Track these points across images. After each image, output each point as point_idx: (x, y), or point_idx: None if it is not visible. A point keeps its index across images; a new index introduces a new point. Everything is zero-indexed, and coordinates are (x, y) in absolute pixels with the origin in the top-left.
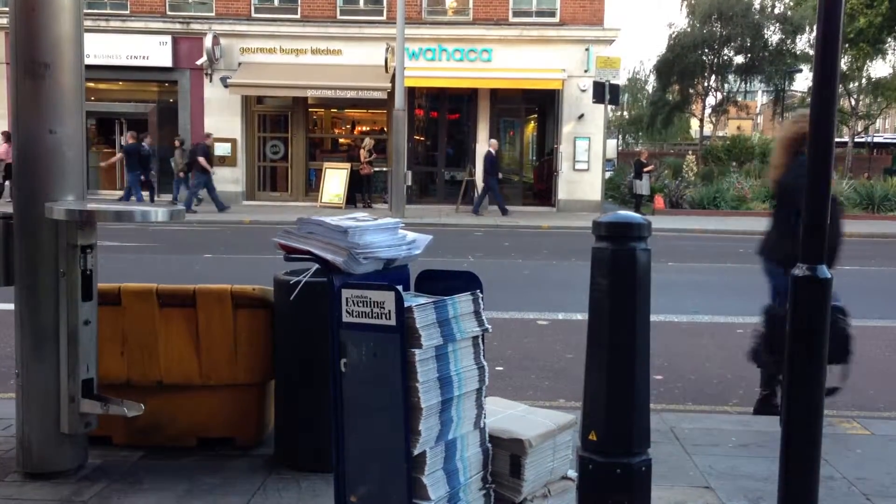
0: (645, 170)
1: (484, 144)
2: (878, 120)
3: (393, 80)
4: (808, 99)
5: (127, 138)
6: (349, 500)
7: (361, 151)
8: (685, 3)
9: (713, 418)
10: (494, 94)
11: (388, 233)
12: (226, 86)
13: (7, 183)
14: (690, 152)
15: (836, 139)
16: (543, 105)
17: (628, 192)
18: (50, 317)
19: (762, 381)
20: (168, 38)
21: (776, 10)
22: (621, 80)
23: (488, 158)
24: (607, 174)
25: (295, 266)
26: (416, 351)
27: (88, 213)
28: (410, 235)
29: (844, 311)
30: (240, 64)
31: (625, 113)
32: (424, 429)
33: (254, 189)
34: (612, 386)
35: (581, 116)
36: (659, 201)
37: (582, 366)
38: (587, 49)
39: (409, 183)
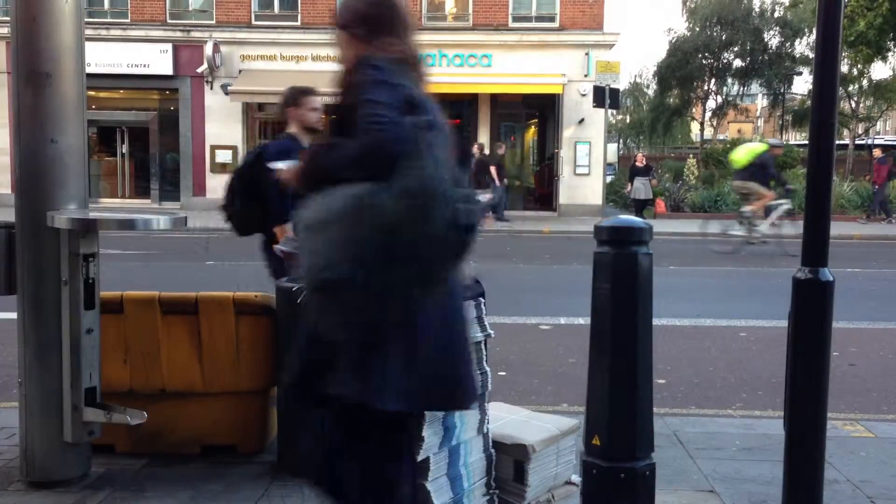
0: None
1: (485, 149)
2: (878, 122)
3: None
4: (809, 102)
5: None
6: None
7: None
8: (685, 7)
9: (717, 422)
10: (495, 99)
11: None
12: (226, 93)
13: None
14: (691, 156)
15: (837, 142)
16: (544, 110)
17: (629, 196)
18: (53, 325)
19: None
20: (168, 46)
21: (776, 14)
22: (623, 85)
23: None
24: (608, 178)
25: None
26: None
27: (91, 222)
28: None
29: None
30: (240, 71)
31: (627, 117)
32: (427, 435)
33: None
34: (614, 390)
35: (581, 121)
36: (660, 205)
37: (585, 370)
38: (587, 54)
39: None
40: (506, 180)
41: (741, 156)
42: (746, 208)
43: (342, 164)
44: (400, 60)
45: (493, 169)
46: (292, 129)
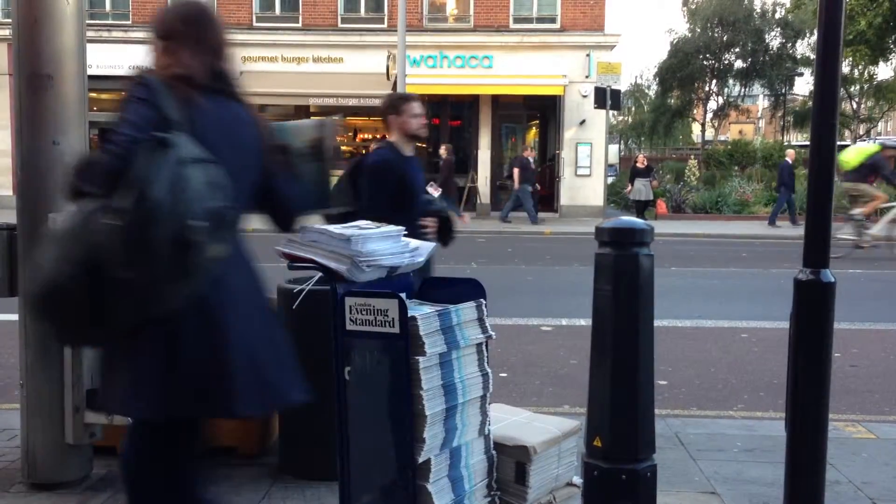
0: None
1: (486, 151)
2: (880, 123)
3: (395, 88)
4: (810, 102)
5: None
6: None
7: None
8: (686, 8)
9: (718, 423)
10: (496, 100)
11: (392, 241)
12: None
13: None
14: (692, 157)
15: (839, 142)
16: (545, 111)
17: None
18: None
19: None
20: None
21: (777, 15)
22: (624, 86)
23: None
24: (609, 179)
25: (298, 275)
26: (420, 359)
27: None
28: (414, 243)
29: None
30: (241, 73)
31: (628, 118)
32: (429, 436)
33: None
34: (616, 391)
35: (583, 122)
36: (661, 206)
37: (586, 371)
38: (588, 55)
39: None
40: (538, 185)
41: (852, 157)
42: (857, 211)
43: (91, 181)
44: (180, 78)
45: (515, 171)
46: (393, 137)
